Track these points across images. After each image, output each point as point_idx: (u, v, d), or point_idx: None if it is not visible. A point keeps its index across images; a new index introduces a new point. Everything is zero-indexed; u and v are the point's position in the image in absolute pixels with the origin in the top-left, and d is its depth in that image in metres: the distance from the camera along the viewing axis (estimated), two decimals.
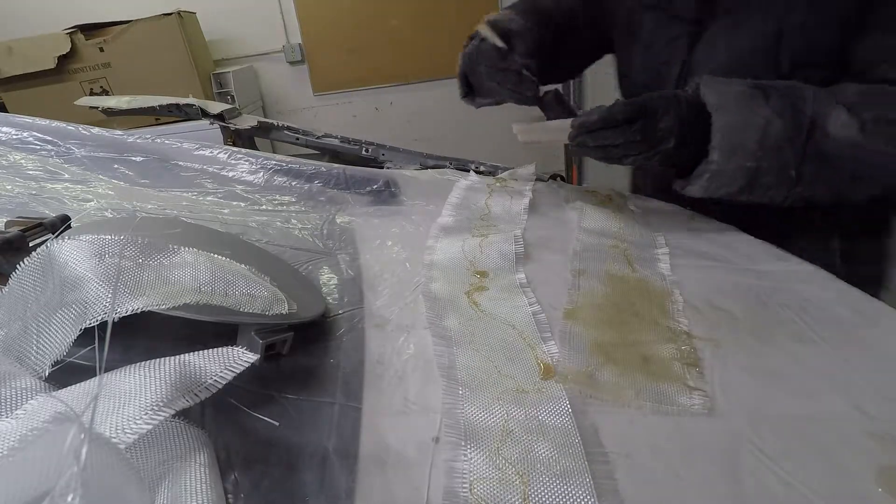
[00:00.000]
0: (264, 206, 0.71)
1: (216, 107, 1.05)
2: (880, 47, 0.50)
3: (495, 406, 0.35)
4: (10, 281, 0.36)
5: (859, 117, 0.46)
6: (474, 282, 0.50)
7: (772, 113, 0.48)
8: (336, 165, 0.82)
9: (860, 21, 0.50)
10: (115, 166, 0.80)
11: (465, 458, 0.32)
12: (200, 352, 0.31)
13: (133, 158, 0.83)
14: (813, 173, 0.49)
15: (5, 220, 0.47)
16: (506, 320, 0.45)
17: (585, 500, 0.29)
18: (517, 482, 0.30)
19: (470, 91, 0.70)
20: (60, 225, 0.46)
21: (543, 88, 0.63)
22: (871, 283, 0.58)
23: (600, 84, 2.07)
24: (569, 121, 0.54)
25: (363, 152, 0.94)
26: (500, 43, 0.60)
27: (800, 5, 0.52)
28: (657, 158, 0.51)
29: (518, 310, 0.46)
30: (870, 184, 0.50)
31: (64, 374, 0.32)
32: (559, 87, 0.63)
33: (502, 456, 0.32)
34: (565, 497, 0.29)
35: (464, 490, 0.30)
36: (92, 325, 0.31)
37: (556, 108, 0.60)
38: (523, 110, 0.67)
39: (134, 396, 0.27)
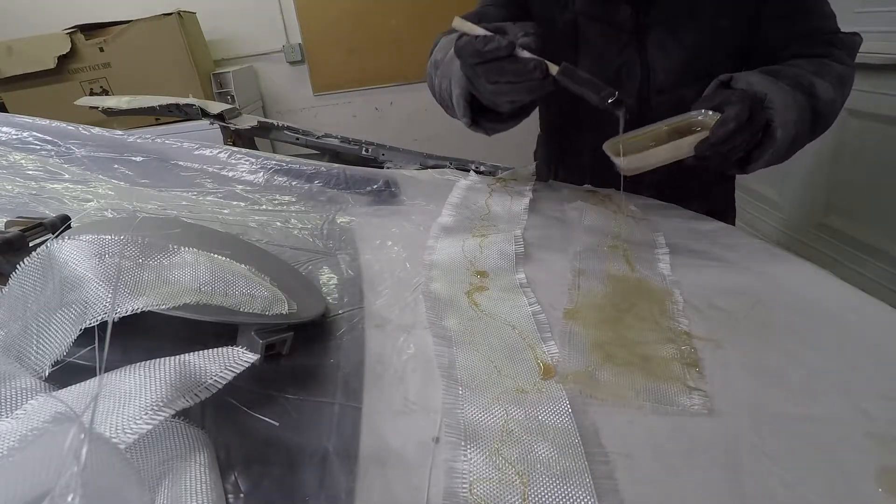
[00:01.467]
0: (264, 206, 0.71)
1: (216, 107, 1.05)
2: (783, 32, 0.68)
3: (495, 406, 0.35)
4: (10, 281, 0.36)
5: (828, 82, 0.61)
6: (474, 282, 0.50)
7: (791, 89, 0.57)
8: (336, 165, 0.82)
9: (757, 16, 0.68)
10: (115, 166, 0.80)
11: (465, 459, 0.32)
12: (200, 352, 0.31)
13: (133, 158, 0.83)
14: (813, 129, 0.61)
15: (5, 220, 0.47)
16: (506, 320, 0.45)
17: (585, 500, 0.29)
18: (517, 482, 0.30)
19: (475, 116, 0.60)
20: (60, 225, 0.46)
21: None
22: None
23: None
24: (680, 140, 0.53)
25: (363, 152, 0.94)
26: (480, 31, 0.50)
27: (722, 11, 0.67)
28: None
29: (518, 310, 0.46)
30: (824, 128, 0.64)
31: (64, 374, 0.32)
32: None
33: (502, 456, 0.32)
34: (565, 497, 0.29)
35: (463, 490, 0.30)
36: (92, 325, 0.31)
37: (573, 84, 0.50)
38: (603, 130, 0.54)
39: (134, 396, 0.27)
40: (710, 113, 0.55)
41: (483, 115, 0.59)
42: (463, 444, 0.33)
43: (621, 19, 0.69)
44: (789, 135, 0.56)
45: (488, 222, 0.63)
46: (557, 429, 0.34)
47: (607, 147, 0.56)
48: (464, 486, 0.30)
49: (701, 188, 0.79)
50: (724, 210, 0.84)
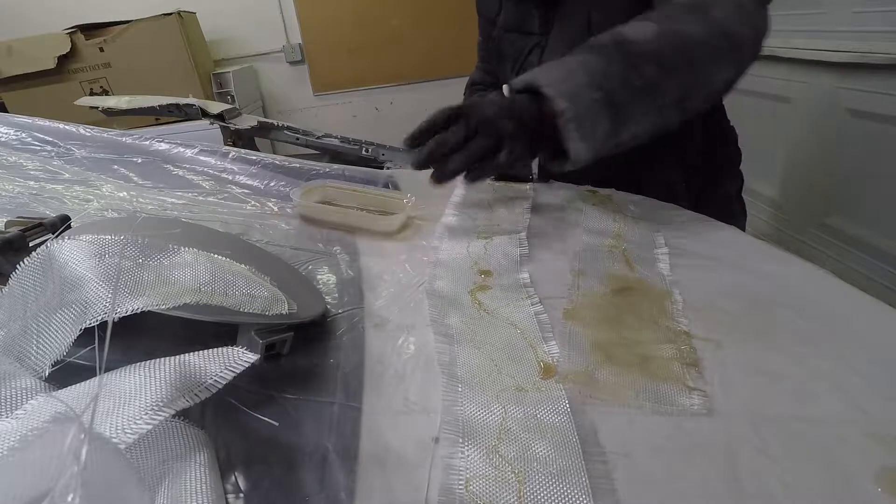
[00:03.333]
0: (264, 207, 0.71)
1: (216, 107, 1.05)
2: None
3: (494, 404, 0.35)
4: (10, 281, 0.36)
5: (647, 18, 0.56)
6: (478, 280, 0.50)
7: (580, 57, 0.54)
8: (336, 165, 0.83)
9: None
10: (115, 167, 0.80)
11: (462, 455, 0.32)
12: (200, 352, 0.31)
13: (133, 159, 0.83)
14: (654, 73, 0.52)
15: (5, 220, 0.47)
16: (508, 319, 0.45)
17: (580, 499, 0.29)
18: (513, 480, 0.30)
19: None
20: (60, 225, 0.46)
21: None
22: (716, 207, 0.70)
23: None
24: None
25: (363, 152, 0.94)
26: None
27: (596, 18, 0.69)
28: (522, 150, 0.54)
29: (521, 309, 0.46)
30: (711, 67, 0.55)
31: (64, 374, 0.32)
32: None
33: (499, 454, 0.32)
34: (560, 495, 0.29)
35: (459, 487, 0.30)
36: (92, 325, 0.31)
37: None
38: None
39: (134, 396, 0.27)
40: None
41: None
42: (461, 440, 0.33)
43: (531, 26, 0.77)
44: (589, 100, 0.51)
45: (491, 222, 0.63)
46: (555, 427, 0.34)
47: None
48: (460, 482, 0.30)
49: (639, 179, 0.80)
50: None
